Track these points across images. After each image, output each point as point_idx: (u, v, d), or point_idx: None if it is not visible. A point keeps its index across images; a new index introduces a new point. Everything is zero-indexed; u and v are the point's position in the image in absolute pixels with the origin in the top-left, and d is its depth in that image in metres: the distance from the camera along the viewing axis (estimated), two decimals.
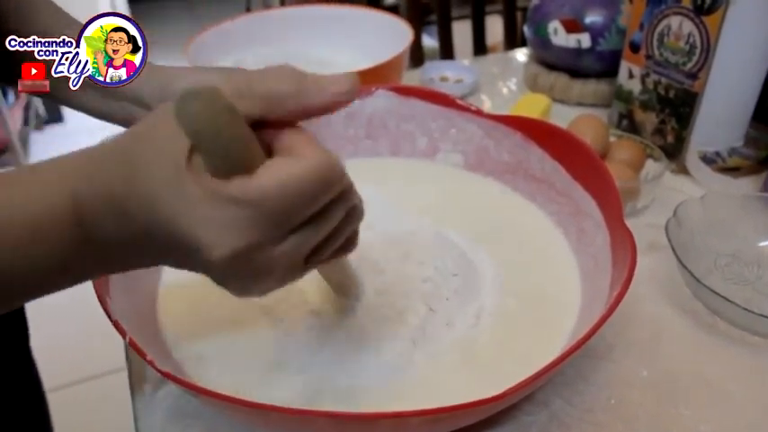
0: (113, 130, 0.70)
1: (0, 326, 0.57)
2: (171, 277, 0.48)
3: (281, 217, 0.26)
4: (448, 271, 0.49)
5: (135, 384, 0.46)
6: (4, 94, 2.10)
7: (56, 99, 0.52)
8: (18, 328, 0.62)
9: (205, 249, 0.26)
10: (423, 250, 0.51)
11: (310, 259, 0.30)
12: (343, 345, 0.43)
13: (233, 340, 0.43)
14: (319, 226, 0.29)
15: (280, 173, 0.26)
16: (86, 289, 0.41)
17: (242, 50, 0.87)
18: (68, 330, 1.51)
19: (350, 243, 0.33)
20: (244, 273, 0.28)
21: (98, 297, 0.37)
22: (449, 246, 0.52)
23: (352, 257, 0.38)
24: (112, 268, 0.32)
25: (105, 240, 0.28)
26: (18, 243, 0.27)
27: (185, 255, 0.27)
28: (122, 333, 0.35)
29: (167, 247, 0.28)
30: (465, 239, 0.53)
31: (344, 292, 0.44)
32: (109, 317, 0.36)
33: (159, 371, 0.33)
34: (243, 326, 0.44)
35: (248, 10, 3.01)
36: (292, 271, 0.30)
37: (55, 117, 2.58)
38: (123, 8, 2.93)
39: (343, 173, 0.28)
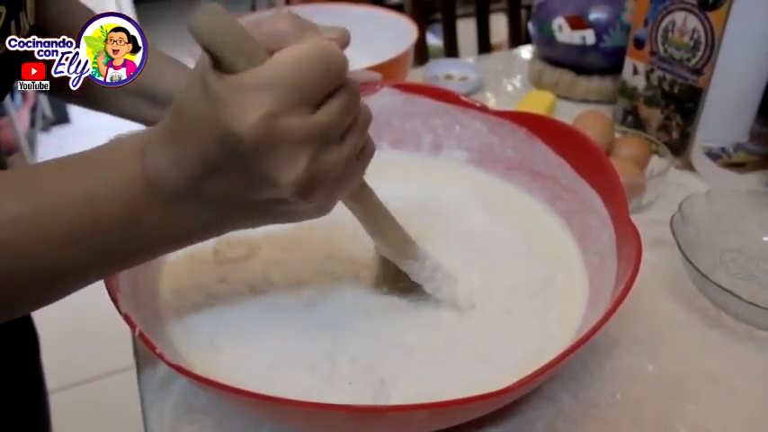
0: (120, 130, 0.70)
1: (10, 339, 0.58)
2: (177, 264, 0.49)
3: (294, 86, 0.28)
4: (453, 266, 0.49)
5: (143, 380, 0.46)
6: (12, 96, 2.12)
7: (104, 109, 0.56)
8: (28, 340, 0.62)
9: (230, 128, 0.28)
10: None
11: (345, 139, 0.32)
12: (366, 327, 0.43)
13: (242, 331, 0.44)
14: (340, 104, 0.30)
15: (284, 53, 0.29)
16: (93, 289, 0.41)
17: None
18: (75, 330, 1.52)
19: (370, 149, 0.35)
20: (276, 144, 0.28)
21: (108, 291, 0.37)
22: (454, 239, 0.52)
23: None
24: (187, 222, 0.33)
25: (169, 188, 0.31)
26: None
27: (226, 149, 0.29)
28: (132, 326, 0.36)
29: (213, 156, 0.29)
30: (469, 236, 0.53)
31: (405, 251, 0.44)
32: (119, 310, 0.36)
33: (169, 363, 0.34)
34: (252, 316, 0.45)
35: (253, 9, 3.02)
36: (328, 149, 0.30)
37: (61, 118, 2.59)
38: (128, 8, 2.94)
39: (345, 60, 0.30)
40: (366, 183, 0.40)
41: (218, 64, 0.28)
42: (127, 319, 0.36)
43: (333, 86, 0.30)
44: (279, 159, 0.29)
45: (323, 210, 0.34)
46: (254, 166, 0.29)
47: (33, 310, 0.34)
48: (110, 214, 0.31)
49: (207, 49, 0.28)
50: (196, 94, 0.29)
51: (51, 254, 0.30)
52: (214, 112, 0.28)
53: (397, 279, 0.46)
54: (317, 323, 0.44)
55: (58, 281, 0.32)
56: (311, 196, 0.31)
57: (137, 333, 0.35)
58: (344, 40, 0.33)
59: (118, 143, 0.32)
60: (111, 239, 0.31)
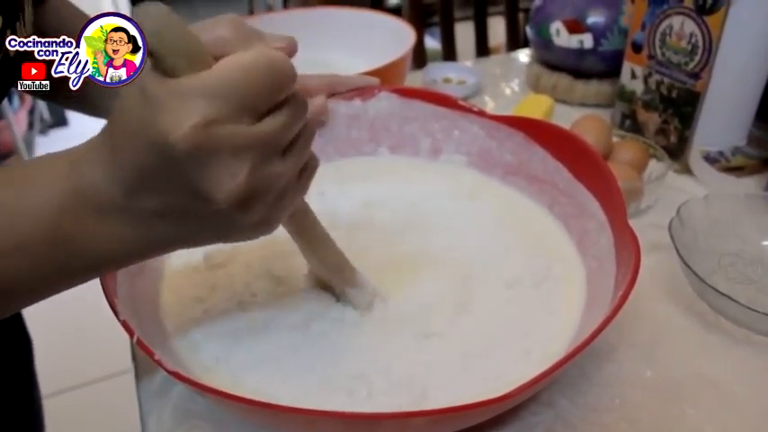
0: None
1: (1, 344, 0.57)
2: (174, 274, 0.49)
3: (236, 94, 0.27)
4: (452, 270, 0.49)
5: (141, 385, 0.46)
6: (9, 99, 2.11)
7: (101, 114, 0.56)
8: (21, 346, 0.62)
9: (164, 134, 0.26)
10: (424, 253, 0.51)
11: (288, 153, 0.31)
12: (354, 337, 0.43)
13: (240, 337, 0.43)
14: (286, 117, 0.29)
15: (229, 60, 0.27)
16: (91, 292, 0.41)
17: None
18: (73, 333, 1.51)
19: (313, 165, 0.34)
20: (213, 153, 0.27)
21: (106, 297, 0.37)
22: (451, 245, 0.52)
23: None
24: (122, 237, 0.31)
25: (101, 199, 0.29)
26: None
27: (159, 156, 0.27)
28: (130, 333, 0.36)
29: (147, 164, 0.28)
30: (468, 238, 0.53)
31: (343, 278, 0.44)
32: (117, 317, 0.36)
33: (167, 370, 0.34)
34: (250, 322, 0.45)
35: (251, 13, 3.02)
36: (270, 161, 0.29)
37: (59, 121, 2.59)
38: (125, 10, 2.94)
39: (294, 71, 0.29)
40: (305, 201, 0.39)
41: (159, 66, 0.27)
42: (125, 325, 0.36)
43: (279, 97, 0.29)
44: (215, 170, 0.27)
45: (264, 227, 0.32)
46: (190, 177, 0.27)
47: None
48: (33, 228, 0.29)
49: (148, 50, 0.27)
50: (133, 99, 0.27)
51: None
52: (150, 117, 0.26)
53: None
54: (332, 342, 0.43)
55: None
56: (250, 211, 0.29)
57: (134, 340, 0.35)
58: (291, 49, 0.32)
59: (52, 155, 0.31)
60: (40, 255, 0.30)
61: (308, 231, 0.41)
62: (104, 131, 0.29)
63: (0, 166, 0.31)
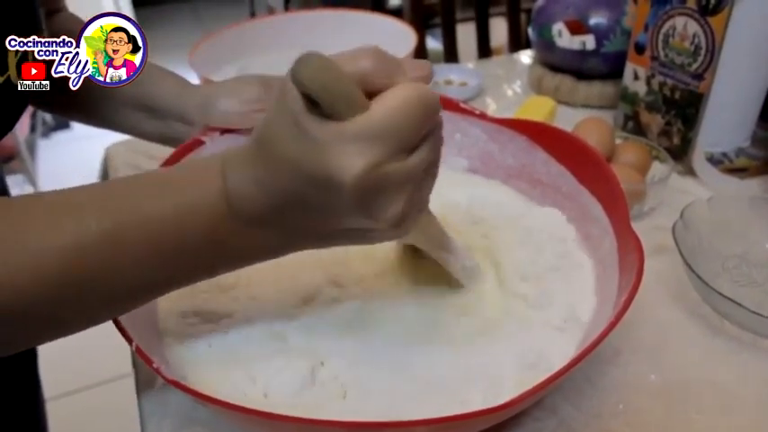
0: (117, 138, 0.70)
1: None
2: None
3: (397, 135, 0.29)
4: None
5: (142, 390, 0.46)
6: None
7: (103, 123, 0.55)
8: (26, 350, 0.62)
9: (335, 175, 0.29)
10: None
11: (429, 172, 0.34)
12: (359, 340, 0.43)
13: (240, 345, 0.43)
14: (431, 144, 0.32)
15: (386, 102, 0.30)
16: None
17: (247, 56, 0.87)
18: (76, 336, 1.51)
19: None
20: (379, 190, 0.30)
21: None
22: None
23: None
24: (266, 243, 0.34)
25: (253, 212, 0.32)
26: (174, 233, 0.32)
27: (323, 190, 0.30)
28: (129, 340, 0.35)
29: (305, 193, 0.30)
30: (470, 244, 0.53)
31: (441, 244, 0.45)
32: (116, 323, 0.36)
33: (166, 379, 0.33)
34: (250, 329, 0.44)
35: (253, 15, 3.02)
36: (419, 185, 0.33)
37: (62, 124, 2.59)
38: (127, 12, 2.94)
39: (438, 102, 0.32)
40: None
41: (320, 111, 0.29)
42: (123, 333, 0.36)
43: (427, 130, 0.31)
44: (379, 203, 0.31)
45: (404, 234, 0.35)
46: (351, 209, 0.30)
47: (108, 320, 0.35)
48: (193, 234, 0.32)
49: (312, 98, 0.28)
50: (287, 132, 0.29)
51: (132, 270, 0.32)
52: (315, 155, 0.29)
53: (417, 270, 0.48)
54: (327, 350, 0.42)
55: (136, 295, 0.34)
56: (402, 227, 0.33)
57: (133, 348, 0.35)
58: (429, 76, 0.34)
59: (196, 163, 0.34)
60: (192, 257, 0.33)
61: None
62: (251, 150, 0.32)
63: (145, 173, 0.34)
